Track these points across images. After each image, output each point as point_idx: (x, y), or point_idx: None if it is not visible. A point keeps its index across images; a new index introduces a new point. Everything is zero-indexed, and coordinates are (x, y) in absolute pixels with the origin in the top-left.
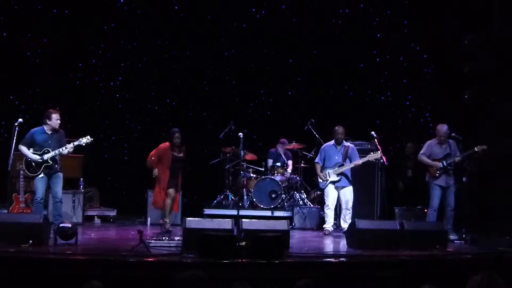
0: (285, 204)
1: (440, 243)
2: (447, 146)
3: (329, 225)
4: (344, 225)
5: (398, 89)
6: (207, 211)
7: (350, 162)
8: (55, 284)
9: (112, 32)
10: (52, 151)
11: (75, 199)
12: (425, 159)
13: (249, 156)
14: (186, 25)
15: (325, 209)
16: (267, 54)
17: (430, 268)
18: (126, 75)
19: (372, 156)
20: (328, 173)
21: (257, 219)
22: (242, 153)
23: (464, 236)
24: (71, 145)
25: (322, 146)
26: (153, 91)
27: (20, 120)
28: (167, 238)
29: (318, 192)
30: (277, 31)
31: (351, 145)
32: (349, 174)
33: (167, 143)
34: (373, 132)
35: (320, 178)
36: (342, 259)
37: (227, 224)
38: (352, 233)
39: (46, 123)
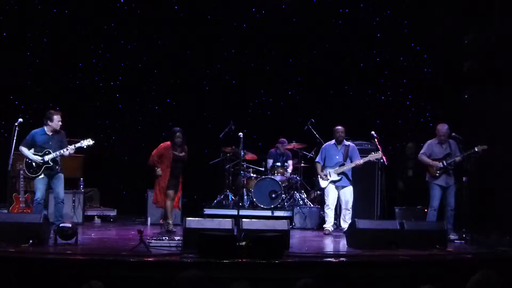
0: (285, 204)
1: (440, 243)
2: (448, 146)
3: (329, 225)
4: (344, 225)
5: (398, 89)
6: (207, 211)
7: (351, 161)
8: (55, 284)
9: (112, 32)
10: (53, 152)
11: (75, 199)
12: (425, 158)
13: (249, 156)
14: (186, 25)
15: (325, 209)
16: (267, 54)
17: (430, 268)
18: (126, 75)
19: (373, 156)
20: (329, 172)
21: (257, 219)
22: (242, 153)
23: (464, 236)
24: (72, 146)
25: (323, 146)
26: (153, 91)
27: (20, 120)
28: (167, 238)
29: (318, 192)
30: (277, 31)
31: (352, 144)
32: (349, 174)
33: (168, 143)
34: (373, 132)
35: (321, 178)
36: (342, 259)
37: (227, 224)
38: (352, 233)
39: (47, 124)
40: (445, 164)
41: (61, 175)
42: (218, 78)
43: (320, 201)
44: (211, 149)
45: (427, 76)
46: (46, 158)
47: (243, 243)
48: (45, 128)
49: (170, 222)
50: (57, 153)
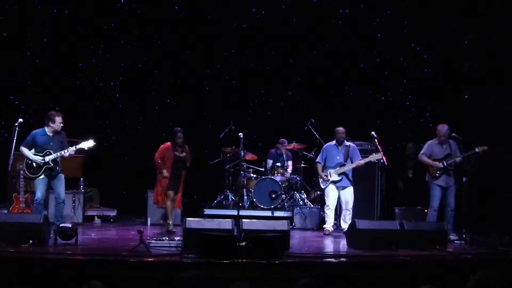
0: (285, 204)
1: (440, 243)
2: (448, 146)
3: (329, 225)
4: (344, 225)
5: (398, 89)
6: (207, 211)
7: (352, 162)
8: (55, 284)
9: (112, 32)
10: (53, 153)
11: (75, 199)
12: (425, 159)
13: (249, 156)
14: (186, 25)
15: (325, 209)
16: (267, 54)
17: (430, 268)
18: (126, 75)
19: (374, 157)
20: (330, 172)
21: (257, 219)
22: (242, 153)
23: (464, 236)
24: (73, 148)
25: (324, 146)
26: (153, 91)
27: (20, 120)
28: (167, 238)
29: (318, 192)
30: (277, 31)
31: (353, 145)
32: (350, 174)
33: (168, 143)
34: (373, 132)
35: (322, 178)
36: (342, 259)
37: (227, 224)
38: (352, 233)
39: (48, 125)
40: (445, 164)
41: (62, 176)
42: (218, 78)
43: (320, 201)
44: (211, 149)
45: (427, 76)
46: (47, 158)
47: (243, 243)
48: (46, 128)
49: (170, 222)
50: (58, 154)
